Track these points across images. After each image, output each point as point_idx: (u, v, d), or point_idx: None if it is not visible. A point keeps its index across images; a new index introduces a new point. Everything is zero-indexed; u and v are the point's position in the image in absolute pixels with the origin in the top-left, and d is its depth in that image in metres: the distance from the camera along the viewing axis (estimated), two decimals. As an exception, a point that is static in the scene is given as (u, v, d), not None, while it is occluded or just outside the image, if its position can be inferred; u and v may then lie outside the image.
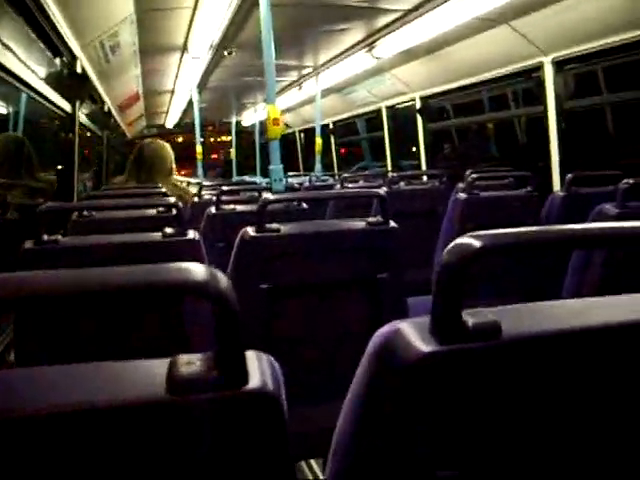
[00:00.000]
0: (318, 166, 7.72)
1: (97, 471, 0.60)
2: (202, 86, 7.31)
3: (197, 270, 0.62)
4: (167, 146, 3.77)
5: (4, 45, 2.28)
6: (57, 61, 3.44)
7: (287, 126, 10.53)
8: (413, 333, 0.70)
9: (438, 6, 3.98)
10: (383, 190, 2.30)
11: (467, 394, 0.69)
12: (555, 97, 4.17)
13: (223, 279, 0.63)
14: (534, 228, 0.74)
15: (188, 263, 0.63)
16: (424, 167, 6.25)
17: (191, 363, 0.63)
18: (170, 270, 0.62)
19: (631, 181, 2.23)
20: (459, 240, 0.70)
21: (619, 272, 2.07)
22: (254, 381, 0.63)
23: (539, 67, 4.27)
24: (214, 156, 16.27)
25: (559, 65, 4.13)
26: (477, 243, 0.68)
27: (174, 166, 3.81)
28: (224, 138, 14.91)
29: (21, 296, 0.59)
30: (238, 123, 12.55)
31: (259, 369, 0.65)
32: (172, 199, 2.01)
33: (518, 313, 0.75)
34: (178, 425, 0.61)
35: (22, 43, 2.87)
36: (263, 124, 11.96)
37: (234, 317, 0.62)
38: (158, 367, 0.64)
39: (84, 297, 0.61)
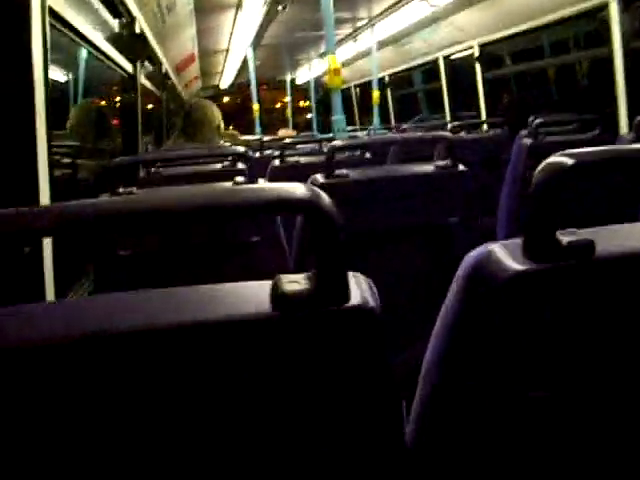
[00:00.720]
0: (376, 119, 7.65)
1: (207, 385, 0.63)
2: (256, 44, 7.30)
3: (300, 188, 0.63)
4: (213, 105, 3.83)
5: (69, 6, 2.31)
6: (116, 22, 3.47)
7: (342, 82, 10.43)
8: (505, 253, 0.70)
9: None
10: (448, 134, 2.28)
11: (561, 313, 0.69)
12: (622, 37, 4.02)
13: (327, 199, 0.64)
14: (625, 146, 0.74)
15: (289, 183, 0.64)
16: (484, 116, 6.13)
17: (294, 282, 0.65)
18: (275, 189, 0.64)
19: None
20: (552, 158, 0.69)
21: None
22: (356, 298, 0.65)
23: (604, 6, 4.11)
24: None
25: (626, 3, 3.97)
26: (571, 160, 0.68)
27: (222, 124, 3.88)
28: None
29: (142, 212, 0.62)
30: (292, 81, 12.49)
31: (359, 288, 0.67)
32: (241, 148, 2.03)
33: (611, 233, 0.75)
34: (285, 341, 0.63)
35: (84, 5, 2.92)
36: (317, 81, 11.92)
37: (337, 236, 0.63)
38: (261, 287, 0.66)
39: (201, 214, 0.63)
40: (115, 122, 4.17)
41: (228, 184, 1.87)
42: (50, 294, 1.52)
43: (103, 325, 0.61)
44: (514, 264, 0.68)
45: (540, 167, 0.69)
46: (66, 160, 2.85)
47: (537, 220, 0.69)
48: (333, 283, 0.64)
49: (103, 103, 5.62)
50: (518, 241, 0.71)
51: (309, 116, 13.34)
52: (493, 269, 0.70)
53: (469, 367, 0.73)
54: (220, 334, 0.62)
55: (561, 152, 0.69)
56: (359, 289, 0.67)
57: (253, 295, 0.65)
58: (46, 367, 0.59)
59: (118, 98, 4.29)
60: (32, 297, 1.44)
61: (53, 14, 1.78)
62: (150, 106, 6.49)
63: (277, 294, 0.63)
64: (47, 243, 1.51)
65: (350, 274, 0.68)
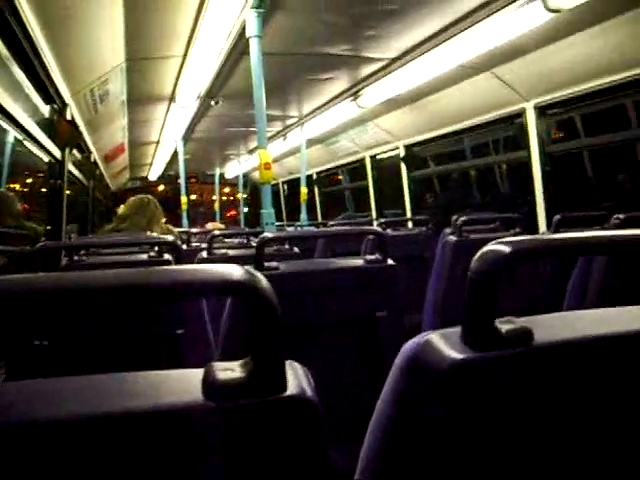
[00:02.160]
0: (303, 215, 7.75)
1: (133, 476, 0.58)
2: (187, 137, 7.37)
3: (238, 270, 0.61)
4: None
5: (2, 89, 2.30)
6: (47, 108, 3.46)
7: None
8: (444, 342, 0.69)
9: (421, 55, 4.07)
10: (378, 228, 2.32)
11: (501, 401, 0.68)
12: (538, 141, 4.26)
13: (264, 280, 0.62)
14: (558, 235, 0.75)
15: (227, 265, 0.62)
16: (409, 214, 6.31)
17: (228, 369, 0.62)
18: (212, 271, 0.62)
19: (621, 216, 2.27)
20: (488, 247, 0.70)
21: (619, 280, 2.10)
22: (293, 387, 0.62)
23: (521, 113, 4.37)
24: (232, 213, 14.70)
25: (541, 110, 4.24)
26: (507, 249, 0.68)
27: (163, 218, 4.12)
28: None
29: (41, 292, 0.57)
30: (222, 175, 12.60)
31: (296, 377, 0.64)
32: (170, 237, 2.00)
33: (548, 321, 0.76)
34: (218, 433, 0.60)
35: (15, 88, 2.90)
36: (246, 176, 12.06)
37: (276, 320, 0.61)
38: (193, 375, 0.63)
39: (119, 295, 0.59)
40: (25, 207, 4.16)
41: None
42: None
43: (24, 413, 0.57)
44: (453, 353, 0.67)
45: (478, 255, 0.70)
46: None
47: (475, 308, 0.69)
48: (270, 371, 0.61)
49: (17, 187, 5.57)
50: (456, 330, 0.71)
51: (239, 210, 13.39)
52: (432, 358, 0.68)
53: (408, 465, 0.70)
54: (146, 425, 0.58)
55: (497, 241, 0.70)
56: (296, 378, 0.64)
57: (183, 384, 0.62)
58: None
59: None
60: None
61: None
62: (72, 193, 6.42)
63: (209, 383, 0.60)
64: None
65: (287, 362, 0.65)
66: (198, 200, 14.38)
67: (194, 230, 5.00)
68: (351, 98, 5.39)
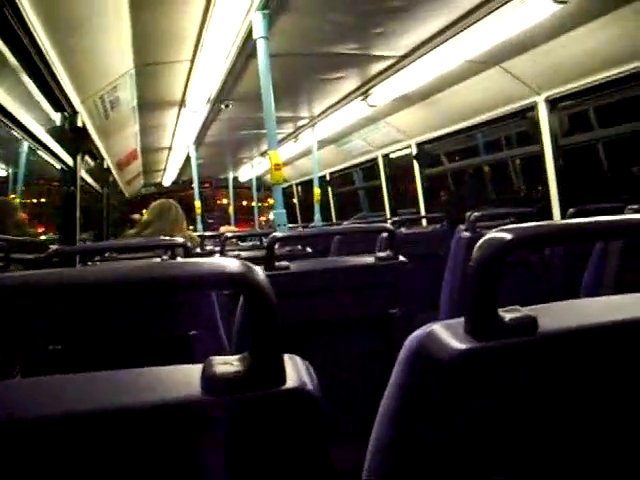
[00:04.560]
0: (317, 216, 7.75)
1: (134, 471, 0.58)
2: (199, 142, 7.40)
3: (233, 263, 0.61)
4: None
5: (12, 98, 2.31)
6: (58, 116, 3.48)
7: (284, 180, 10.57)
8: (447, 333, 0.69)
9: (430, 51, 4.06)
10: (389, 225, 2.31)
11: (506, 390, 0.67)
12: (550, 135, 4.22)
13: (260, 273, 0.62)
14: (561, 221, 0.74)
15: (224, 258, 0.62)
16: (423, 212, 6.29)
17: (227, 363, 0.62)
18: (206, 264, 0.61)
19: (635, 207, 2.25)
20: (490, 235, 0.69)
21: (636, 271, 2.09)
22: (292, 381, 0.62)
23: (533, 107, 4.34)
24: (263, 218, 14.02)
25: (553, 103, 4.20)
26: (509, 236, 0.67)
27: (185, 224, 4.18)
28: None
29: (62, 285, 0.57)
30: (235, 179, 12.62)
31: (296, 370, 0.64)
32: (180, 239, 2.01)
33: (553, 310, 0.75)
34: (216, 427, 0.60)
35: (26, 97, 2.92)
36: (260, 179, 12.07)
37: (271, 312, 0.61)
38: (193, 370, 0.62)
39: (122, 288, 0.59)
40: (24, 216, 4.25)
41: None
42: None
43: (25, 409, 0.57)
44: (457, 343, 0.66)
45: (479, 243, 0.69)
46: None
47: (479, 297, 0.68)
48: (268, 364, 0.61)
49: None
50: (460, 320, 0.70)
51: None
52: (436, 349, 0.68)
53: (415, 456, 0.69)
54: (144, 420, 0.58)
55: (499, 228, 0.69)
56: (296, 371, 0.63)
57: (182, 379, 0.61)
58: None
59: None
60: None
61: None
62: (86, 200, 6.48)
63: (207, 377, 0.60)
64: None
65: (286, 356, 0.65)
66: (213, 205, 14.43)
67: (207, 233, 5.03)
68: (361, 97, 5.38)
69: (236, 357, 0.63)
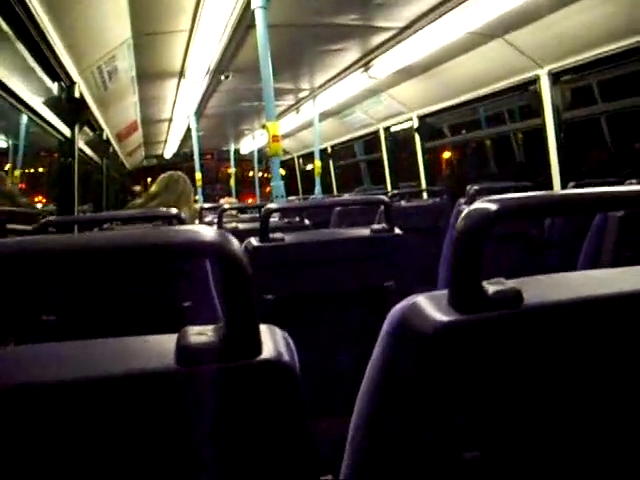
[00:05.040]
0: (318, 188, 7.74)
1: (107, 440, 0.58)
2: (200, 113, 7.34)
3: (207, 232, 0.60)
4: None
5: (7, 69, 2.29)
6: (55, 86, 3.45)
7: (285, 152, 10.55)
8: (431, 305, 0.68)
9: (432, 22, 4.01)
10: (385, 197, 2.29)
11: (488, 365, 0.66)
12: (552, 108, 4.18)
13: (234, 241, 0.60)
14: (549, 192, 0.73)
15: (199, 226, 0.61)
16: (424, 185, 6.26)
17: (201, 334, 0.61)
18: (181, 232, 0.60)
19: (634, 181, 2.23)
20: (475, 205, 0.68)
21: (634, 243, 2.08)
22: (268, 351, 0.61)
23: (535, 80, 4.29)
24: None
25: (555, 77, 4.16)
26: (494, 207, 0.66)
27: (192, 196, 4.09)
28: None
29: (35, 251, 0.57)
30: (237, 151, 12.56)
31: (273, 341, 0.63)
32: (174, 210, 1.99)
33: (538, 283, 0.73)
34: (187, 396, 0.59)
35: (22, 68, 2.89)
36: (261, 151, 12.02)
37: (246, 281, 0.60)
38: (168, 340, 0.62)
39: (100, 257, 0.59)
40: (22, 186, 4.22)
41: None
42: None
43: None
44: (440, 315, 0.65)
45: (463, 214, 0.67)
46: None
47: (462, 269, 0.67)
48: (243, 335, 0.60)
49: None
50: (444, 292, 0.69)
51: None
52: (418, 321, 0.67)
53: (396, 428, 0.69)
54: (117, 390, 0.57)
55: (485, 198, 0.68)
56: (273, 342, 0.62)
57: (158, 349, 0.61)
58: None
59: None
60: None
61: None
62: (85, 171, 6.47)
63: (181, 347, 0.59)
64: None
65: (263, 326, 0.64)
66: (215, 176, 14.36)
67: (206, 205, 5.01)
68: (362, 69, 5.33)
69: (211, 327, 0.62)
